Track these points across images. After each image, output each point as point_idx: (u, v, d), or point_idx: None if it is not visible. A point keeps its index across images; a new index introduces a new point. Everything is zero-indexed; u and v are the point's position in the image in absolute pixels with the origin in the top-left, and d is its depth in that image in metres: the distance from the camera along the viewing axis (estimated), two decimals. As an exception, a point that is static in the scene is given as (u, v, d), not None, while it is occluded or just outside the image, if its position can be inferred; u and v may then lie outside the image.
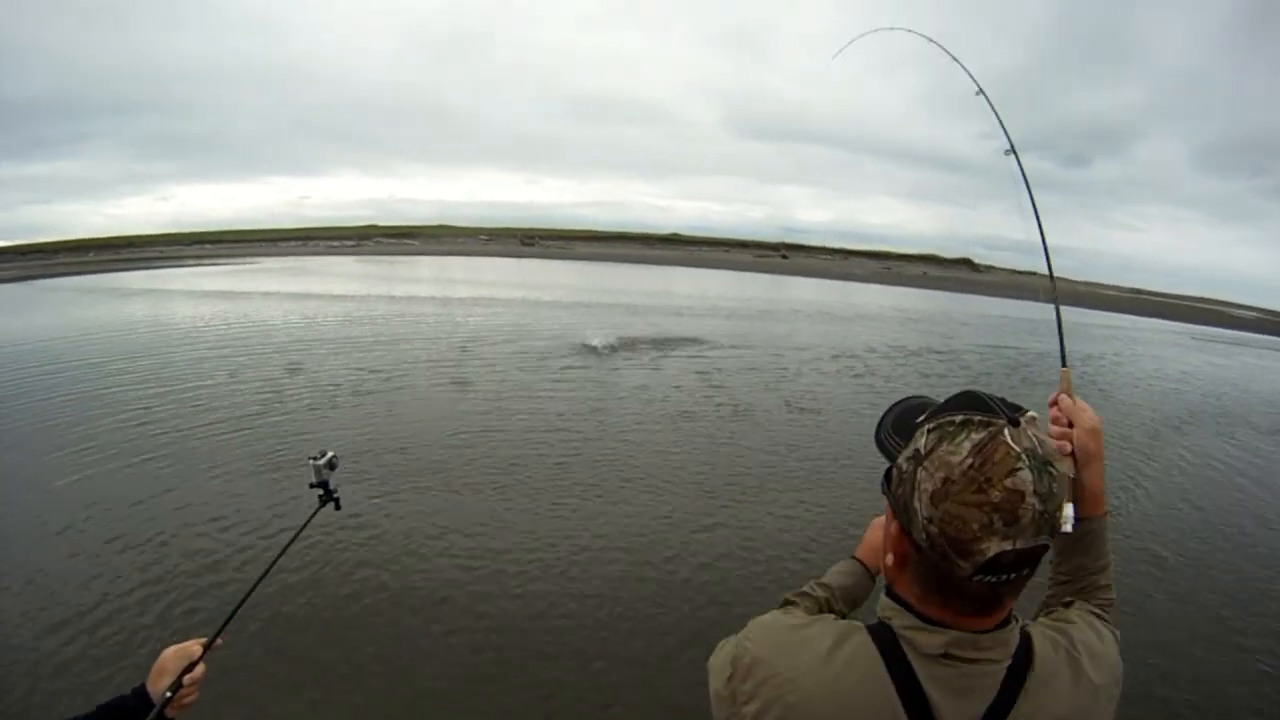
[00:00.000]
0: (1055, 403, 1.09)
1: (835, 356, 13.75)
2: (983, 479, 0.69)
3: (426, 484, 5.79)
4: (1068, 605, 1.01)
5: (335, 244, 74.21)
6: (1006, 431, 0.71)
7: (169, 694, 1.16)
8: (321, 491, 1.78)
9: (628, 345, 13.08)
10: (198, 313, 15.68)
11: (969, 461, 0.70)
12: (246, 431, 7.02)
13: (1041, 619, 0.95)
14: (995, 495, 0.68)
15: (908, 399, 0.96)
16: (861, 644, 0.80)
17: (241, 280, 26.42)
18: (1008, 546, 0.69)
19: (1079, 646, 0.84)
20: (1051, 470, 0.70)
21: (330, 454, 1.80)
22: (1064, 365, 1.19)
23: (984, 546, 0.69)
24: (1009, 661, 0.78)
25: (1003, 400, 0.76)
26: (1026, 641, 0.81)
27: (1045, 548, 0.72)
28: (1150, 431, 9.48)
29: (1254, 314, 70.68)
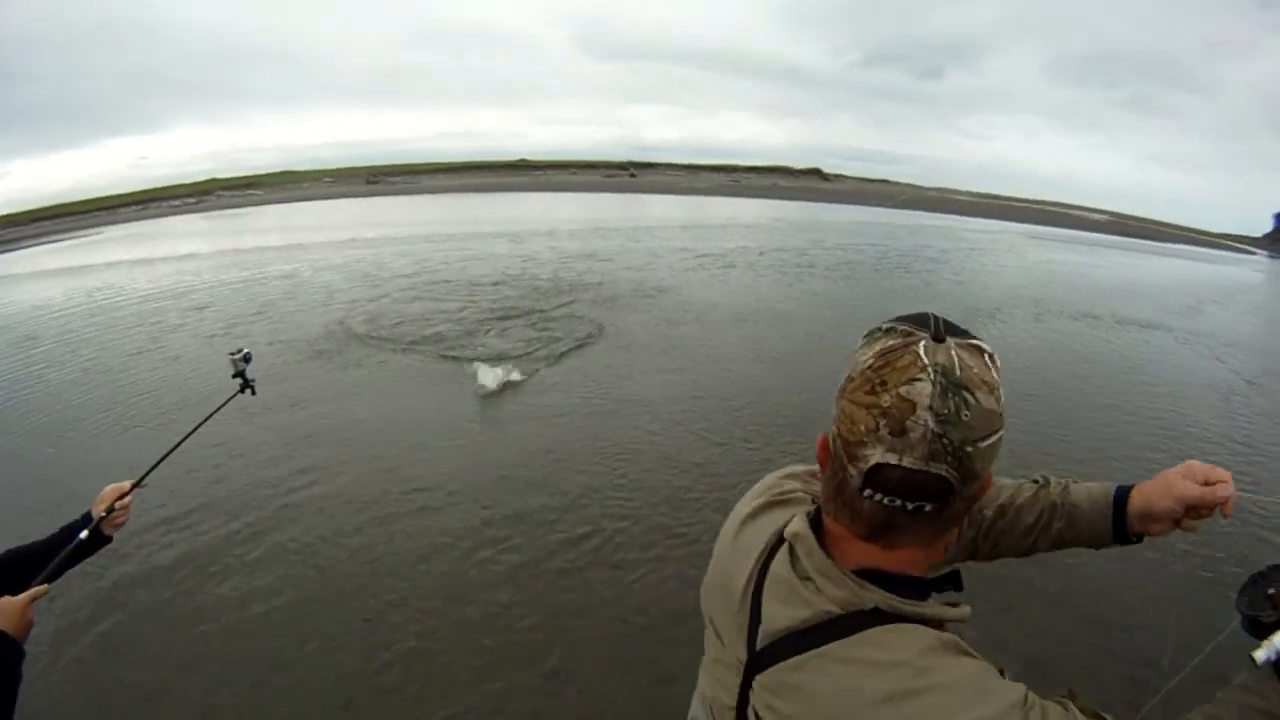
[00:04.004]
0: None
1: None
2: (878, 381, 0.65)
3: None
4: None
5: (176, 203, 67.33)
6: (922, 344, 0.66)
7: (104, 513, 1.60)
8: (241, 380, 2.07)
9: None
10: (49, 294, 15.19)
11: (871, 363, 0.67)
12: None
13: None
14: (886, 400, 0.64)
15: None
16: (788, 516, 0.81)
17: (93, 254, 24.05)
18: (892, 459, 0.64)
19: (889, 676, 0.65)
20: (966, 396, 0.63)
21: (245, 350, 2.11)
22: None
23: (868, 452, 0.65)
24: (838, 611, 0.69)
25: (950, 324, 0.69)
26: (875, 618, 0.69)
27: (944, 481, 0.64)
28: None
29: (1106, 216, 78.41)
